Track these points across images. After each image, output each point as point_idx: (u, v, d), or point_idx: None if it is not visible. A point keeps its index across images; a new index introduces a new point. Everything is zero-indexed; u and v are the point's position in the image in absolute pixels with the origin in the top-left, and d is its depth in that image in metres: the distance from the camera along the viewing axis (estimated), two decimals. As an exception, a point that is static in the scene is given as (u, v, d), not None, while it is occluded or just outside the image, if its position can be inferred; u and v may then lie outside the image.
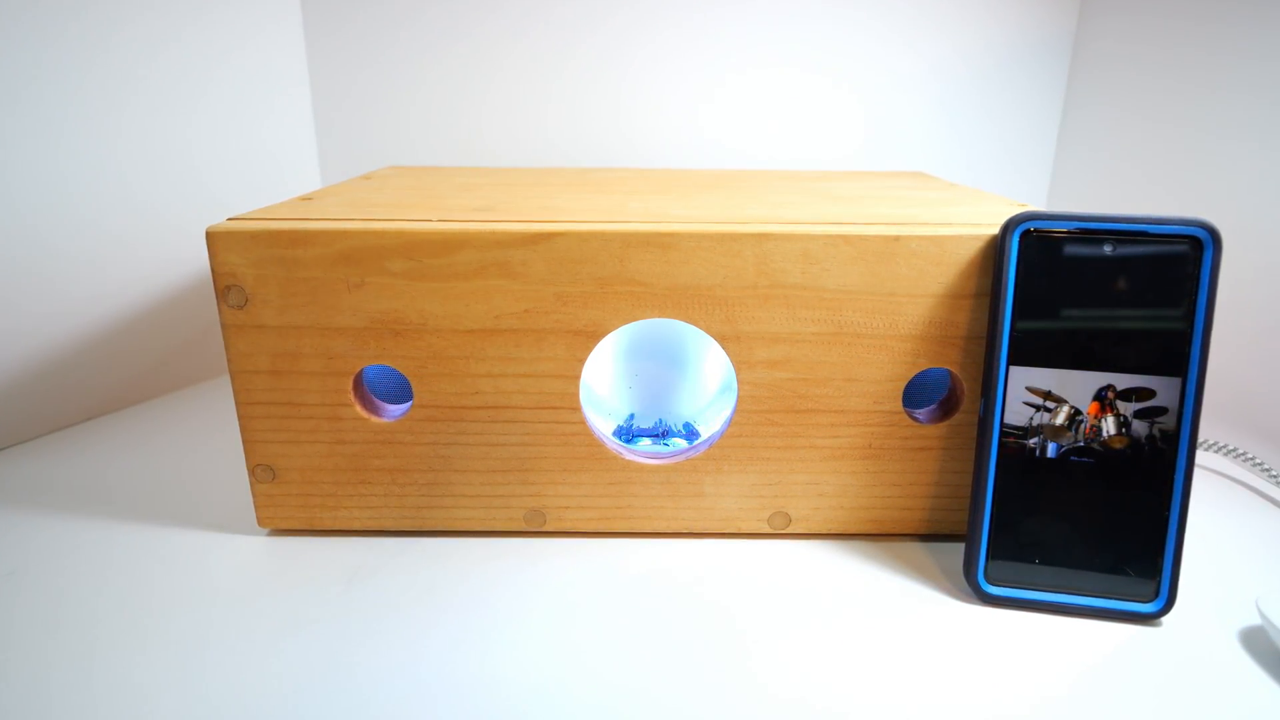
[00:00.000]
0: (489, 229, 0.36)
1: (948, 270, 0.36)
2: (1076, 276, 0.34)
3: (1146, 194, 0.63)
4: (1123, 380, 0.34)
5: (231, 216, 0.38)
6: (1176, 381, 0.34)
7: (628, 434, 0.46)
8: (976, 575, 0.36)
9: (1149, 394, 0.34)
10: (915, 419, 0.39)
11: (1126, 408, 0.34)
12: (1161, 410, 0.34)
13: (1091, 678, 0.32)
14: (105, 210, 0.55)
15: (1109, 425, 0.34)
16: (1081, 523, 0.35)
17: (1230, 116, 0.56)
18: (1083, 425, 0.35)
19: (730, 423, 0.39)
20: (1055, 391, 0.35)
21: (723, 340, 0.38)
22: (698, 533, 0.42)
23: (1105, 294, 0.34)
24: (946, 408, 0.40)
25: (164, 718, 0.29)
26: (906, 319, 0.37)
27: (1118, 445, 0.34)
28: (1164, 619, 0.35)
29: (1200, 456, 0.50)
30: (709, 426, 0.44)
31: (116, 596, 0.36)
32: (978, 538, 0.36)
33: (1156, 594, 0.35)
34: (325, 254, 0.36)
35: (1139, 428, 0.34)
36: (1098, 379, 0.34)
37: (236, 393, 0.38)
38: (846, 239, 0.36)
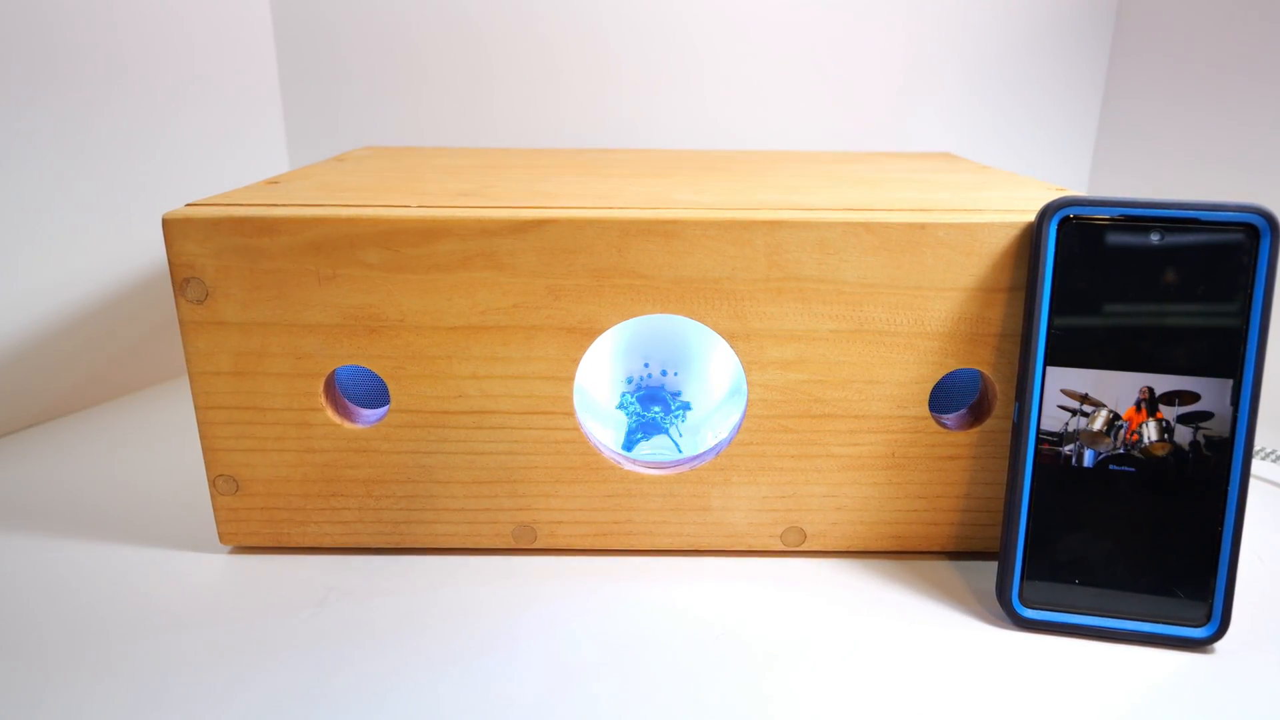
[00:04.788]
0: (474, 216, 0.36)
1: (979, 261, 0.36)
2: (1120, 268, 0.34)
3: (1197, 178, 0.63)
4: (1168, 382, 0.34)
5: (190, 202, 0.38)
6: (1229, 384, 0.34)
7: (637, 389, 0.46)
8: (1011, 597, 0.36)
9: (1193, 397, 0.34)
10: (943, 425, 0.39)
11: (1169, 412, 0.34)
12: (1207, 415, 0.34)
13: (1137, 710, 0.32)
14: (50, 195, 0.55)
15: (1150, 431, 0.34)
16: (1126, 539, 0.35)
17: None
18: (1122, 430, 0.35)
19: (739, 429, 0.39)
20: (1092, 394, 0.35)
21: (731, 338, 0.38)
22: (704, 550, 0.42)
23: (1151, 287, 0.34)
24: (977, 412, 0.40)
25: (116, 754, 0.29)
26: (933, 315, 0.37)
27: (1159, 452, 0.34)
28: (1217, 645, 0.35)
29: (1255, 466, 0.51)
30: (716, 434, 0.45)
31: (63, 620, 0.36)
32: (1012, 556, 0.36)
33: (1208, 618, 0.35)
34: (293, 243, 0.36)
35: (1183, 434, 0.34)
36: (1142, 380, 0.34)
37: (196, 396, 0.38)
38: (868, 227, 0.36)
